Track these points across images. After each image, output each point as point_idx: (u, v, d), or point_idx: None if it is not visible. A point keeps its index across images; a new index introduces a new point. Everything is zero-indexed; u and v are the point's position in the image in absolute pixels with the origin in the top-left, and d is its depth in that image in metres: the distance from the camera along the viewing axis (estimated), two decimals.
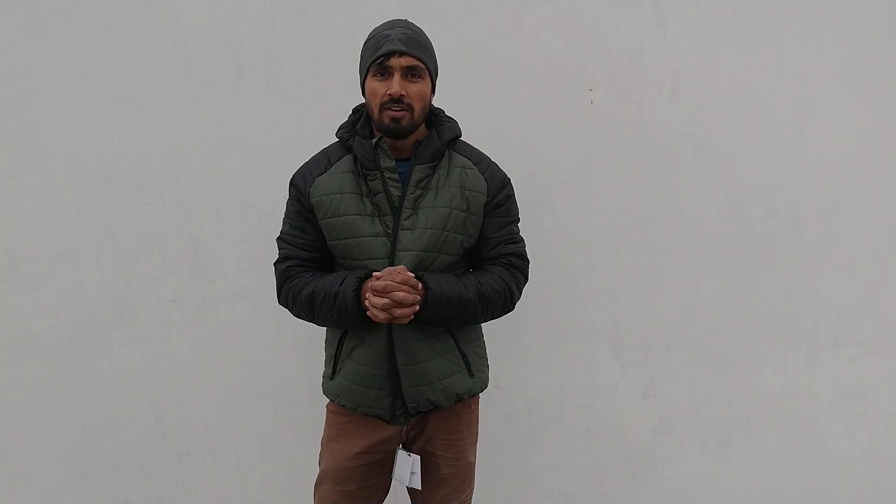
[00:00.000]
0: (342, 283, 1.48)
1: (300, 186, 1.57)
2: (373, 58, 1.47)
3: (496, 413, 2.30)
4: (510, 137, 2.18)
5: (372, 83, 1.49)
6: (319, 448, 1.73)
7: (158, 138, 2.12)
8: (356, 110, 1.62)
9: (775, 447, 2.36)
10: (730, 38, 2.19)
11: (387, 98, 1.47)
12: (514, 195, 1.65)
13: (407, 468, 1.63)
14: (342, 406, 1.63)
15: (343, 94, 2.05)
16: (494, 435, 2.31)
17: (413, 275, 1.45)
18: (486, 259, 1.61)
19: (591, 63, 2.17)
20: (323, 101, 2.11)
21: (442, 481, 1.69)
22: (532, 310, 2.25)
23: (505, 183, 1.63)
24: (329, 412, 1.70)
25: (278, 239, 1.63)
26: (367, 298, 1.45)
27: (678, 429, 2.34)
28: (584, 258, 2.25)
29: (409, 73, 1.48)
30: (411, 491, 1.76)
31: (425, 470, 1.70)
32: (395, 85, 1.46)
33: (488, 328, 2.23)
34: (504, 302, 1.59)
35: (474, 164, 1.60)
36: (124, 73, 2.09)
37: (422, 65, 1.49)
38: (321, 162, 1.58)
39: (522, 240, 1.67)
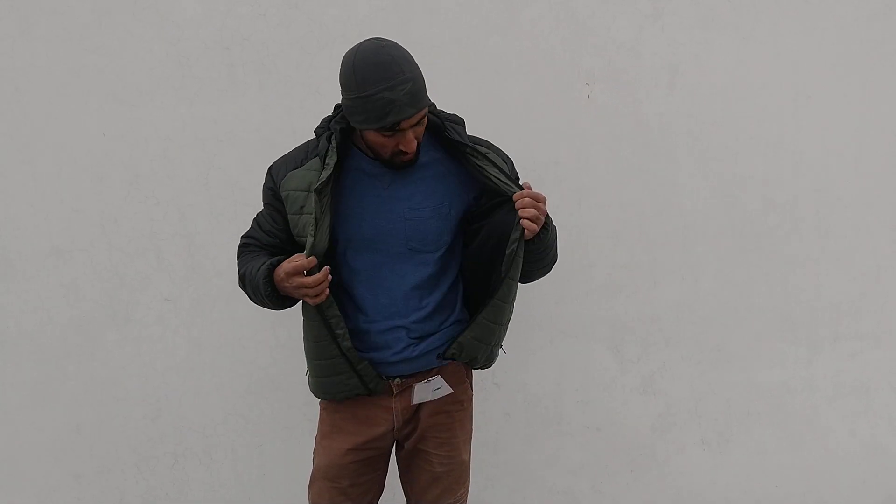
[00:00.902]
0: (259, 267, 1.48)
1: (275, 177, 1.55)
2: (378, 126, 1.38)
3: (495, 410, 2.28)
4: (506, 132, 2.15)
5: (377, 137, 1.43)
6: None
7: (151, 136, 2.10)
8: (339, 107, 1.57)
9: (775, 443, 2.35)
10: (727, 32, 2.17)
11: (398, 150, 1.44)
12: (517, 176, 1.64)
13: (429, 388, 1.60)
14: (329, 400, 1.62)
15: (337, 90, 2.01)
16: (493, 432, 2.30)
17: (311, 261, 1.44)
18: None
19: (587, 57, 2.15)
20: (316, 96, 2.09)
21: (436, 479, 1.68)
22: (529, 306, 2.24)
23: (509, 163, 1.64)
24: (321, 409, 1.69)
25: (255, 217, 1.64)
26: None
27: (678, 425, 2.33)
28: (581, 254, 2.23)
29: (417, 123, 1.43)
30: (406, 489, 1.75)
31: (419, 468, 1.69)
32: (412, 144, 1.42)
33: None
34: (554, 255, 1.62)
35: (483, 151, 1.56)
36: (115, 70, 2.07)
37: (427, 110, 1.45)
38: (298, 156, 1.56)
39: None
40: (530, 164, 2.17)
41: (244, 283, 1.55)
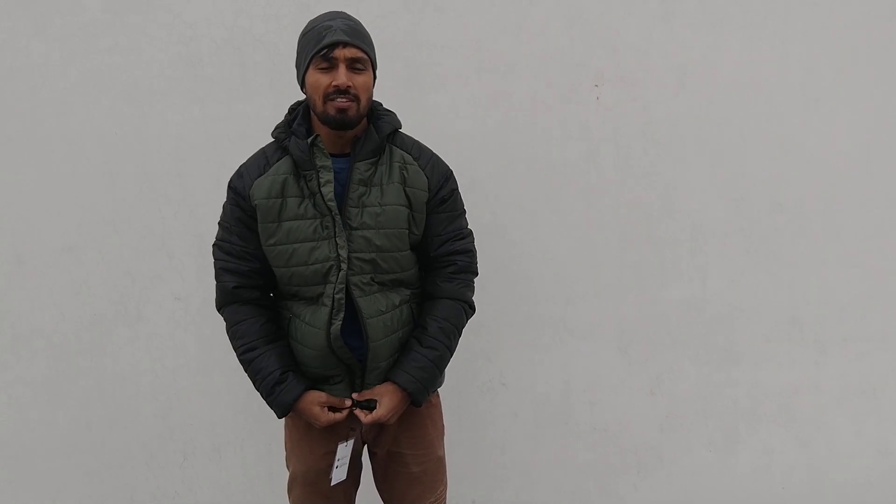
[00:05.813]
0: (282, 388, 1.51)
1: (239, 189, 1.52)
2: (316, 49, 1.42)
3: (502, 410, 2.29)
4: (515, 132, 2.17)
5: (315, 75, 1.43)
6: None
7: (162, 135, 2.12)
8: (292, 109, 1.57)
9: (782, 444, 2.35)
10: (735, 33, 2.18)
11: (332, 89, 1.41)
12: (457, 188, 1.61)
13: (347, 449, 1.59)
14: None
15: None
16: (501, 432, 2.30)
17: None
18: (433, 258, 1.59)
19: (596, 58, 2.16)
20: None
21: (413, 480, 1.66)
22: (537, 306, 2.25)
23: (447, 176, 1.58)
24: (289, 420, 1.68)
25: (214, 245, 1.59)
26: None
27: (685, 425, 2.33)
28: (589, 254, 2.24)
29: (354, 65, 1.43)
30: (384, 497, 1.74)
31: (395, 473, 1.66)
32: (342, 76, 1.41)
33: (493, 326, 2.23)
34: (466, 313, 1.61)
35: (414, 158, 1.54)
36: (128, 69, 2.09)
37: (365, 56, 1.45)
38: (259, 162, 1.53)
39: (470, 232, 1.65)
40: (540, 164, 2.19)
41: (246, 367, 1.56)
